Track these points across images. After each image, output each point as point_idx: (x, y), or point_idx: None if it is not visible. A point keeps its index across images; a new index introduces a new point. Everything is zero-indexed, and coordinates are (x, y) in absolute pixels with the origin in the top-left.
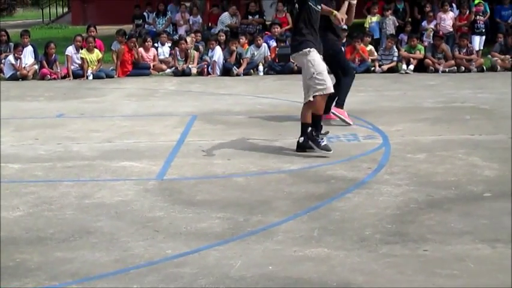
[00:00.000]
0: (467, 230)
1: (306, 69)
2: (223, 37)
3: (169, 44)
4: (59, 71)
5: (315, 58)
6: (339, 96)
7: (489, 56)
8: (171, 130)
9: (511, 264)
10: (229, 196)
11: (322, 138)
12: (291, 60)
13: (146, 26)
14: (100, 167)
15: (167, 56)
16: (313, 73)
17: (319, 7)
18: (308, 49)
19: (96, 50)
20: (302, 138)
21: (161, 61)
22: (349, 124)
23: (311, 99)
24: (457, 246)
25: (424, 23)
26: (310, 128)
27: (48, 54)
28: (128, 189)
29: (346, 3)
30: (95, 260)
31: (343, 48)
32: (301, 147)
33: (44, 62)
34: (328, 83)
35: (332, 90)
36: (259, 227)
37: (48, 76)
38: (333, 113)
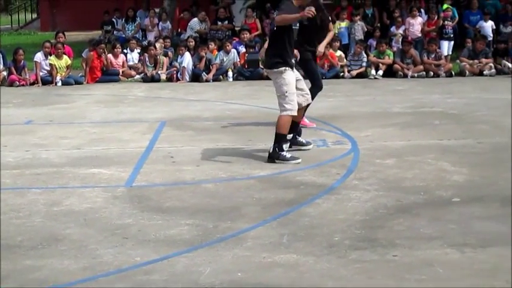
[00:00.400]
0: (436, 235)
1: (279, 86)
2: (192, 43)
3: (139, 50)
4: (27, 77)
5: (289, 78)
6: None
7: (458, 61)
8: (140, 136)
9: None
10: (198, 203)
11: (285, 150)
12: (261, 66)
13: (115, 32)
14: (69, 174)
15: (136, 62)
16: (285, 92)
17: (297, 25)
18: (284, 68)
19: (65, 57)
20: (272, 148)
21: (130, 67)
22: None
23: (282, 114)
24: (426, 251)
25: (393, 29)
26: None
27: (17, 61)
28: (97, 196)
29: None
30: (64, 268)
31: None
32: (271, 158)
33: (13, 69)
34: (296, 105)
35: (295, 113)
36: (228, 234)
37: (17, 83)
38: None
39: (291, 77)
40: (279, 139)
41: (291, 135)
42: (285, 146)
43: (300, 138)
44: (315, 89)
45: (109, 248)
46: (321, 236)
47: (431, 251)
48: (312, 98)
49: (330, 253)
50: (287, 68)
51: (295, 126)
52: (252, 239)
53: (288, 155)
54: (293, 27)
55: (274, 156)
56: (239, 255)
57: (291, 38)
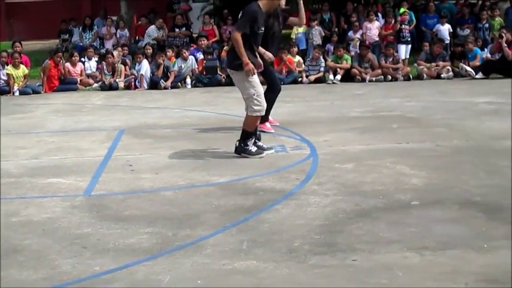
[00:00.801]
0: (395, 238)
1: (245, 88)
2: (150, 50)
3: (96, 59)
4: None
5: (255, 79)
6: None
7: (415, 64)
8: (99, 145)
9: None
10: (157, 211)
11: (250, 145)
12: (219, 73)
13: (73, 40)
14: (27, 184)
15: (94, 70)
16: (253, 94)
17: (262, 29)
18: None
19: (22, 66)
20: (238, 142)
21: (88, 76)
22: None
23: (250, 114)
24: (386, 255)
25: (350, 33)
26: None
27: None
28: (56, 206)
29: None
30: (23, 279)
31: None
32: (237, 152)
33: None
34: (264, 105)
35: (263, 113)
36: (187, 241)
37: None
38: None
39: (256, 78)
40: (245, 135)
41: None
42: (250, 142)
43: (260, 143)
44: (274, 93)
45: (68, 258)
46: (280, 242)
47: (391, 254)
48: (272, 103)
49: (290, 259)
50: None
51: (254, 131)
52: (212, 246)
53: (254, 149)
54: (258, 31)
55: (240, 150)
56: (199, 262)
57: (256, 39)
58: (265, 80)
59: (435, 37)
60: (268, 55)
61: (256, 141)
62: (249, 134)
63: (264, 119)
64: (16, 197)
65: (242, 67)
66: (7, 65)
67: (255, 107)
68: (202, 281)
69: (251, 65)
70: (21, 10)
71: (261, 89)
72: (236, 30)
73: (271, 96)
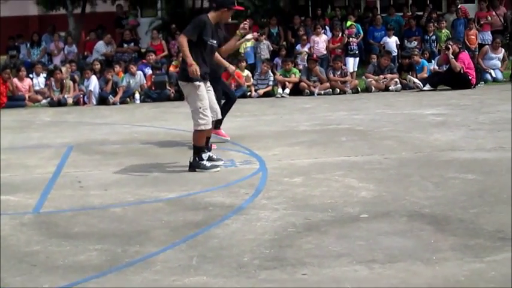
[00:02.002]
0: (344, 252)
1: (192, 101)
2: (98, 66)
3: (45, 75)
4: None
5: (203, 93)
6: None
7: (363, 77)
8: (47, 162)
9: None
10: (106, 227)
11: (205, 159)
12: (168, 88)
13: (21, 56)
14: None
15: (42, 86)
16: (199, 107)
17: (214, 42)
18: (198, 83)
19: None
20: (192, 158)
21: (37, 92)
22: (227, 139)
23: (196, 128)
24: (335, 269)
25: (298, 47)
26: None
27: None
28: (4, 223)
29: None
30: None
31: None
32: (191, 167)
33: None
34: (210, 119)
35: (210, 127)
36: (137, 258)
37: None
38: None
39: (205, 91)
40: (198, 150)
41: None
42: (205, 156)
43: (209, 153)
44: (230, 103)
45: (17, 276)
46: (230, 257)
47: (340, 268)
48: (226, 112)
49: (240, 274)
50: (200, 84)
51: (206, 142)
52: (161, 262)
53: (208, 164)
54: (208, 42)
55: (195, 166)
56: (148, 279)
57: (206, 51)
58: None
59: (383, 49)
60: (232, 68)
61: (210, 154)
62: (200, 149)
63: (218, 126)
64: None
65: (192, 79)
66: None
67: (200, 121)
68: None
69: (195, 66)
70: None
71: (207, 103)
72: (182, 33)
73: (227, 106)
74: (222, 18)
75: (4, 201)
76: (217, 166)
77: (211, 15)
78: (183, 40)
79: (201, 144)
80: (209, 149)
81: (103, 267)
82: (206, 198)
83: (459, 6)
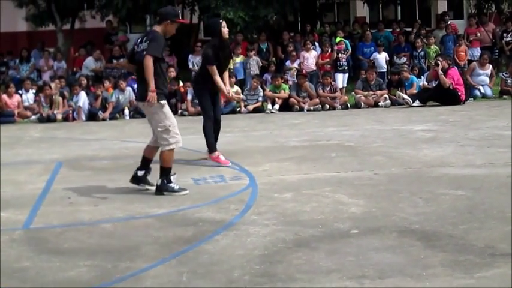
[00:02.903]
0: (334, 267)
1: (159, 120)
2: (84, 81)
3: (34, 91)
4: None
5: (169, 110)
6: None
7: (353, 93)
8: (37, 178)
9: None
10: (96, 243)
11: (173, 181)
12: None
13: (9, 72)
14: None
15: (32, 102)
16: (169, 126)
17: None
18: (163, 101)
19: None
20: (160, 180)
21: (26, 108)
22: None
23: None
24: (325, 285)
25: (288, 63)
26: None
27: None
28: None
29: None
30: None
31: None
32: (159, 190)
33: None
34: (180, 137)
35: (181, 144)
36: (127, 274)
37: None
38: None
39: (169, 109)
40: (166, 173)
41: (143, 171)
42: (173, 178)
43: (148, 177)
44: (206, 123)
45: None
46: (220, 273)
47: (330, 284)
48: (207, 133)
49: None
50: (165, 102)
51: (148, 163)
52: (152, 278)
53: (176, 186)
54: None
55: (162, 189)
56: None
57: (163, 67)
58: (205, 107)
59: (373, 65)
60: (228, 91)
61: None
62: (169, 170)
63: (214, 150)
64: None
65: (157, 98)
66: None
67: (171, 140)
68: None
69: (155, 93)
70: None
71: (175, 121)
72: (149, 54)
73: (205, 125)
74: (167, 32)
75: None
76: (185, 189)
77: (158, 29)
78: (150, 62)
79: (170, 165)
80: (149, 172)
81: (93, 283)
82: (196, 213)
83: (449, 23)
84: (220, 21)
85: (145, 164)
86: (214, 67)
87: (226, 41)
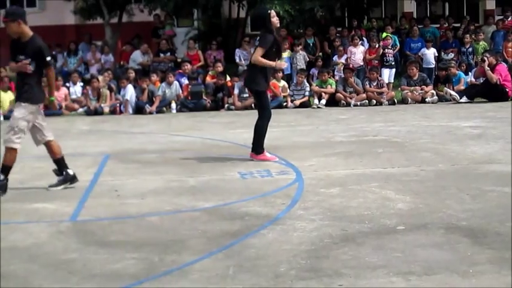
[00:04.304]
0: (381, 263)
1: (15, 118)
2: (132, 74)
3: (81, 84)
4: None
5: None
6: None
7: (400, 88)
8: (84, 170)
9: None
10: (143, 236)
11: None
12: (204, 97)
13: (57, 65)
14: (12, 209)
15: (79, 95)
16: (17, 126)
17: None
18: (32, 104)
19: (9, 91)
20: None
21: (73, 101)
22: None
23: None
24: (372, 280)
25: (335, 58)
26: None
27: None
28: (41, 231)
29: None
30: None
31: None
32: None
33: None
34: (20, 141)
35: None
36: (174, 267)
37: None
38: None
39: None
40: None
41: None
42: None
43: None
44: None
45: (54, 284)
46: (266, 267)
47: (377, 279)
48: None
49: (276, 284)
50: (35, 106)
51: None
52: (198, 271)
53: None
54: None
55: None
56: None
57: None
58: (266, 106)
59: (421, 61)
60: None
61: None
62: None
63: (262, 151)
64: (1, 222)
65: (33, 100)
66: None
67: (16, 140)
68: None
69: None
70: (6, 35)
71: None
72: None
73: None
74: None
75: (41, 209)
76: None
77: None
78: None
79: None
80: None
81: (140, 275)
82: (242, 208)
83: (510, 19)
84: (269, 11)
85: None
86: (262, 51)
87: (278, 31)
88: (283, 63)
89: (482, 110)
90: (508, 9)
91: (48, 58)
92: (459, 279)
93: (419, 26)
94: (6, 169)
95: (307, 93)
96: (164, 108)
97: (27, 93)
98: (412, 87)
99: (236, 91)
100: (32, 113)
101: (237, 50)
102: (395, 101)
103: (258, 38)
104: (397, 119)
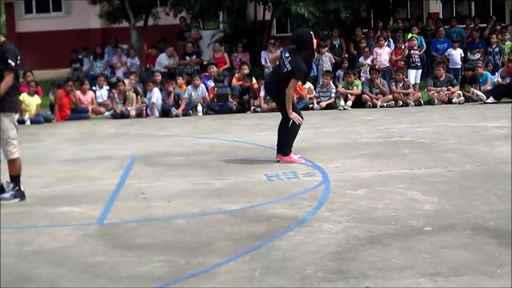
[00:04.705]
0: (407, 265)
1: (5, 130)
2: (159, 77)
3: (108, 87)
4: None
5: (15, 122)
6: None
7: (426, 89)
8: (111, 173)
9: None
10: (170, 239)
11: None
12: (230, 100)
13: (84, 69)
14: (39, 213)
15: (105, 99)
16: (9, 137)
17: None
18: (15, 113)
19: (36, 95)
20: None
21: (99, 104)
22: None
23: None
24: (398, 282)
25: (361, 59)
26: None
27: None
28: (68, 234)
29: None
30: None
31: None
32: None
33: None
34: (17, 149)
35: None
36: (200, 269)
37: None
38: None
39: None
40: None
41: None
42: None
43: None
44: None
45: (81, 286)
46: (293, 269)
47: (404, 281)
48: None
49: (303, 286)
50: (16, 114)
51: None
52: (225, 273)
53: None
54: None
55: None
56: None
57: (18, 78)
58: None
59: (447, 61)
60: None
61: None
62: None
63: (288, 152)
64: (28, 226)
65: (8, 108)
66: (19, 94)
67: (13, 150)
68: None
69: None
70: (32, 40)
71: (16, 133)
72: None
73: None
74: None
75: (68, 212)
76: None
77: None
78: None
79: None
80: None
81: (167, 278)
82: (269, 210)
83: None
84: (311, 32)
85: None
86: (295, 83)
87: (312, 52)
88: (296, 117)
89: (509, 110)
90: None
91: (10, 61)
92: (486, 280)
93: (446, 27)
94: (16, 178)
95: (333, 94)
96: (190, 111)
97: (6, 102)
98: (439, 88)
99: (262, 93)
100: (14, 120)
101: (262, 52)
102: (422, 102)
103: (291, 58)
104: (424, 120)
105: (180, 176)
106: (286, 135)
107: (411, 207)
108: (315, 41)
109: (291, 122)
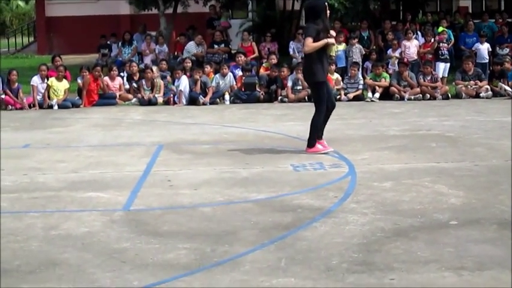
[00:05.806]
0: (433, 258)
1: None
2: (189, 64)
3: (124, 74)
4: (24, 101)
5: None
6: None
7: (454, 83)
8: (138, 160)
9: None
10: (195, 226)
11: None
12: (258, 89)
13: (112, 55)
14: (66, 198)
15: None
16: None
17: None
18: None
19: (64, 80)
20: None
21: (127, 90)
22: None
23: None
24: (423, 275)
25: (389, 51)
26: None
27: (11, 82)
28: (94, 220)
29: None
30: None
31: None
32: None
33: (7, 91)
34: None
35: None
36: (225, 258)
37: (10, 106)
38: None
39: None
40: None
41: None
42: None
43: None
44: (328, 111)
45: (107, 272)
46: (318, 260)
47: (429, 274)
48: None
49: (328, 277)
50: None
51: None
52: (250, 262)
53: None
54: None
55: None
56: (237, 279)
57: None
58: (322, 100)
59: (475, 56)
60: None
61: None
62: None
63: (313, 143)
64: (55, 210)
65: None
66: (47, 78)
67: None
68: None
69: None
70: (62, 25)
71: None
72: None
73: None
74: None
75: (95, 198)
76: None
77: None
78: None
79: None
80: None
81: (192, 266)
82: (295, 200)
83: None
84: (326, 3)
85: None
86: (311, 40)
87: (329, 25)
88: (331, 39)
89: None
90: None
91: None
92: None
93: (476, 21)
94: None
95: (360, 86)
96: (218, 100)
97: None
98: (467, 82)
99: (290, 83)
100: None
101: (291, 43)
102: (449, 95)
103: (302, 30)
104: (451, 114)
105: (207, 165)
106: (311, 126)
107: (437, 201)
108: (328, 12)
109: (313, 113)
